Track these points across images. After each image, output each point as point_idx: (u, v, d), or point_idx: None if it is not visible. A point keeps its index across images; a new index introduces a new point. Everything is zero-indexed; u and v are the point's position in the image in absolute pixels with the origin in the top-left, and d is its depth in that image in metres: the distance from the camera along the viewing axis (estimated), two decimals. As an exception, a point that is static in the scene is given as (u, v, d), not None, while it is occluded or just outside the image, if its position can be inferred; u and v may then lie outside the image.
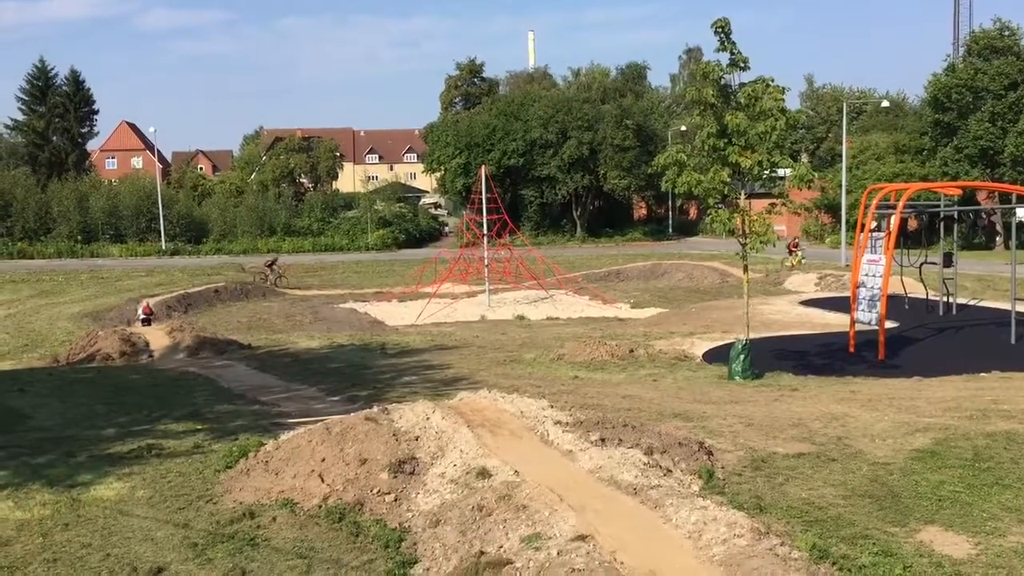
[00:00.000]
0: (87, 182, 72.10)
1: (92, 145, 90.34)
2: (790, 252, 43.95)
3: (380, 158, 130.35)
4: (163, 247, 63.64)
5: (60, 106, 77.84)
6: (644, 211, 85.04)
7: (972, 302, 29.33)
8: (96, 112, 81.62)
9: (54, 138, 78.39)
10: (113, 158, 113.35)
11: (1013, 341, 21.85)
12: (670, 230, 75.73)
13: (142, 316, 30.71)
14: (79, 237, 64.87)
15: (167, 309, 34.32)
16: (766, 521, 8.49)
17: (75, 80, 79.59)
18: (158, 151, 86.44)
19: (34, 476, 11.04)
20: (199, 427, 13.80)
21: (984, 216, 56.52)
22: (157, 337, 25.49)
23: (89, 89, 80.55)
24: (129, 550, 8.72)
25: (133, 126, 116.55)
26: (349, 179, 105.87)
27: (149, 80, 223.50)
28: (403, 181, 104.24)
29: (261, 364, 21.61)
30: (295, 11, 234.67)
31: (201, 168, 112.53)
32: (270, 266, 44.12)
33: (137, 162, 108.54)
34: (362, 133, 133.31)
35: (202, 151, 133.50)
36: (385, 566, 8.25)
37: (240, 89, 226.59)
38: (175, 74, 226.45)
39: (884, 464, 10.75)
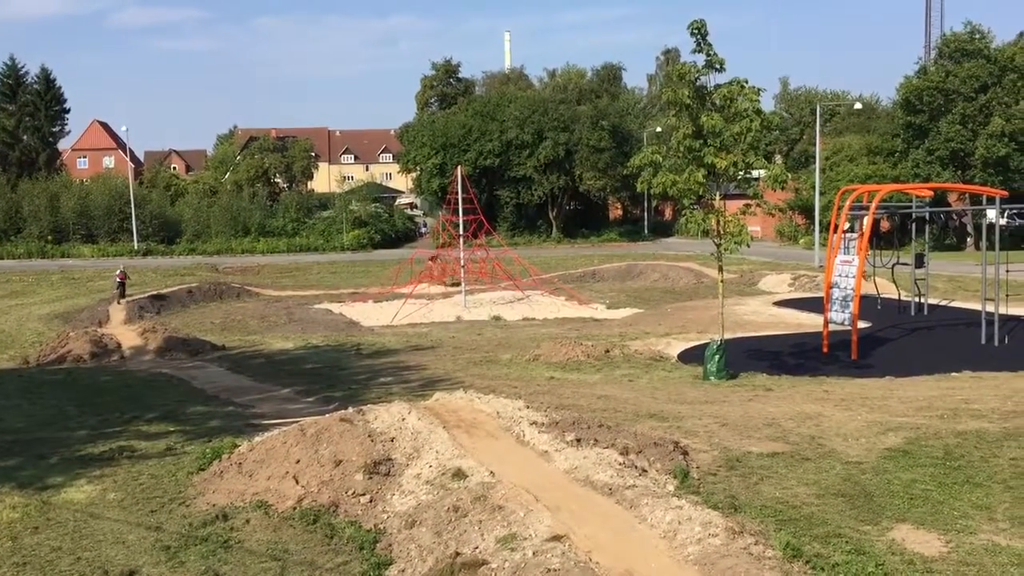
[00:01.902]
0: (58, 182, 71.21)
1: (63, 144, 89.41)
2: None
3: (355, 158, 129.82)
4: (135, 247, 63.01)
5: (31, 105, 76.92)
6: (620, 212, 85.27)
7: (943, 302, 29.65)
8: (67, 111, 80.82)
9: (24, 137, 77.43)
10: (85, 157, 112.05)
11: (983, 341, 22.11)
12: (645, 231, 75.99)
13: (118, 282, 33.48)
14: (50, 237, 64.11)
15: (139, 310, 34.00)
16: (740, 520, 8.53)
17: (46, 78, 78.68)
18: (130, 150, 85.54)
19: (3, 479, 10.89)
20: (172, 429, 13.68)
21: (955, 217, 57.15)
22: (129, 338, 25.27)
23: (60, 88, 79.74)
24: (100, 553, 8.62)
25: (105, 125, 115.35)
26: (324, 179, 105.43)
27: (122, 79, 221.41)
28: (379, 181, 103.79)
29: (235, 365, 21.46)
30: (271, 10, 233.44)
31: (174, 168, 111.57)
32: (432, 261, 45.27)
33: (109, 162, 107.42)
34: (337, 133, 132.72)
35: (175, 150, 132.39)
36: (360, 568, 8.21)
37: (214, 88, 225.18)
38: (148, 73, 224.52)
39: (857, 463, 10.85)
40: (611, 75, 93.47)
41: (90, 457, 11.92)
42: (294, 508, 9.59)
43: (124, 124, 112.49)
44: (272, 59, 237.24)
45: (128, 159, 79.89)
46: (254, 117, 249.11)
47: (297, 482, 10.01)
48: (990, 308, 22.26)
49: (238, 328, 30.62)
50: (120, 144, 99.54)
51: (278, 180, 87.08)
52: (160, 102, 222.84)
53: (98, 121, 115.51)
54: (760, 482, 10.14)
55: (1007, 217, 46.68)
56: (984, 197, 25.36)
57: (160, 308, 35.37)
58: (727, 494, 9.63)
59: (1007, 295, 22.98)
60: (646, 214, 77.67)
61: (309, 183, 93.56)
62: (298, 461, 10.36)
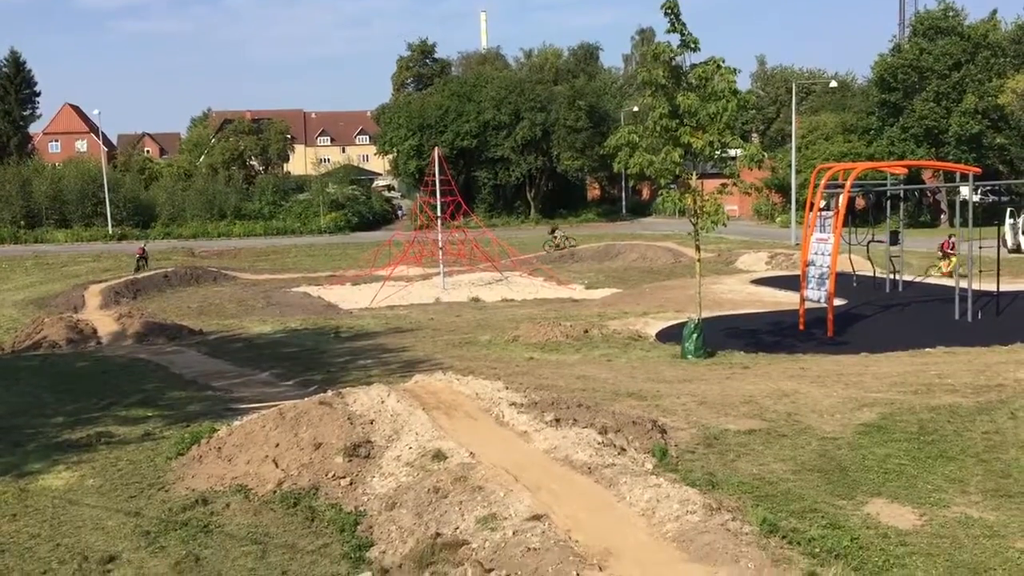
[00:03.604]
0: (30, 166, 70.38)
1: (35, 128, 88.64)
2: (944, 255, 31.35)
3: (332, 140, 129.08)
4: (110, 232, 62.43)
5: (0, 88, 75.86)
6: (597, 192, 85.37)
7: (918, 279, 29.92)
8: (38, 94, 79.91)
9: (-6, 121, 76.51)
10: (57, 141, 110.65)
11: (957, 317, 22.35)
12: (623, 211, 76.15)
13: (137, 255, 41.14)
14: (22, 223, 63.39)
15: (115, 295, 33.73)
16: (718, 497, 8.62)
17: (15, 62, 77.60)
18: (103, 134, 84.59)
19: (-21, 467, 10.81)
20: (150, 414, 13.62)
21: (929, 195, 57.64)
22: (105, 323, 25.08)
23: (31, 71, 78.78)
24: (79, 539, 8.59)
25: (77, 109, 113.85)
26: (300, 162, 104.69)
27: (93, 61, 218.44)
28: (355, 163, 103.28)
29: (213, 350, 21.35)
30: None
31: (148, 151, 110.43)
32: (552, 233, 47.88)
33: (82, 145, 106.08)
34: (313, 115, 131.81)
35: (149, 134, 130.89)
36: (341, 550, 8.23)
37: (188, 70, 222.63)
38: (121, 55, 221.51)
39: (832, 439, 10.97)
40: (587, 55, 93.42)
41: (68, 443, 11.85)
42: (274, 492, 9.59)
43: (96, 107, 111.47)
44: (245, 40, 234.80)
45: (101, 143, 78.97)
46: (228, 99, 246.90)
47: (277, 466, 10.01)
48: (963, 284, 22.49)
49: (216, 312, 30.45)
50: (92, 128, 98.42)
51: (253, 163, 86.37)
52: (132, 85, 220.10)
53: (70, 104, 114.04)
54: (737, 459, 10.25)
55: (980, 194, 47.13)
56: (958, 174, 25.56)
57: (136, 293, 35.10)
58: (705, 471, 9.72)
59: (980, 271, 23.23)
60: (624, 194, 77.77)
61: (285, 166, 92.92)
62: (278, 445, 10.35)
